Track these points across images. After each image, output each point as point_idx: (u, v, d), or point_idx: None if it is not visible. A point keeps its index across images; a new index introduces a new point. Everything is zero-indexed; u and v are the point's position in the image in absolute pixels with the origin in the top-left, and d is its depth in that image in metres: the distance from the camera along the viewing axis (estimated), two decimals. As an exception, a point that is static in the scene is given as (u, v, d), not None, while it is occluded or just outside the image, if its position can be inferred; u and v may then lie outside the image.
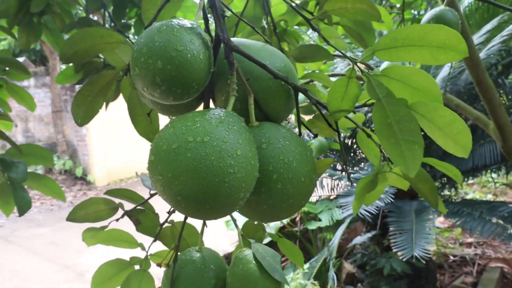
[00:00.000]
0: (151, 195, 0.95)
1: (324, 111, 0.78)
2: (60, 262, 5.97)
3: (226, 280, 0.81)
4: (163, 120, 0.74)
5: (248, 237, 0.95)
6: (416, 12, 2.38)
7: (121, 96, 1.32)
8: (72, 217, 0.98)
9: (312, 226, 4.92)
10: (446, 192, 4.86)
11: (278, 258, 0.82)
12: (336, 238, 4.04)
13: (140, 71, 0.62)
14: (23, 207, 1.25)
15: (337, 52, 1.04)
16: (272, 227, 4.91)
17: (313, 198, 5.53)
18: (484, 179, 7.87)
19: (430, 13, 1.30)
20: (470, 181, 8.18)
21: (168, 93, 0.63)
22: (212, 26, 0.75)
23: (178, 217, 0.95)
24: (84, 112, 0.78)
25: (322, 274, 4.36)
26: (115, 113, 10.61)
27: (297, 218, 5.78)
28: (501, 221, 3.71)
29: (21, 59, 9.54)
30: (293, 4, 1.12)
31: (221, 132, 0.55)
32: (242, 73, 0.66)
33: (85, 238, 1.02)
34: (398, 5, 2.51)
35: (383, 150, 0.92)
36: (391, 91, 0.67)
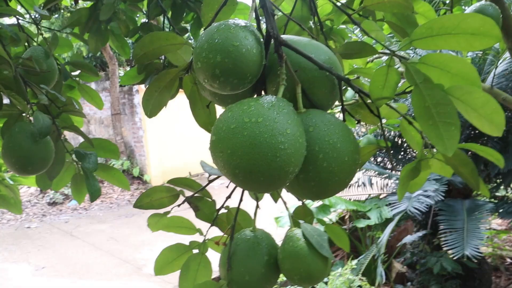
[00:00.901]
0: (209, 181, 1.04)
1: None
2: (120, 257, 6.32)
3: (278, 257, 0.89)
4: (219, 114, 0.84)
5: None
6: (465, 8, 2.35)
7: (176, 101, 1.45)
8: (139, 204, 1.10)
9: (361, 224, 4.90)
10: (502, 192, 4.68)
11: (325, 236, 0.90)
12: (384, 236, 4.01)
13: (202, 65, 0.72)
14: (94, 194, 1.40)
15: (382, 50, 1.10)
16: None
17: (362, 197, 5.50)
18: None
19: (471, 8, 1.34)
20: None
21: (226, 83, 0.72)
22: (263, 25, 0.84)
23: (232, 203, 1.05)
24: (152, 106, 0.89)
25: (371, 271, 4.34)
26: (170, 117, 11.05)
27: (346, 216, 5.76)
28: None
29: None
30: (338, 4, 1.19)
31: (273, 113, 0.64)
32: (291, 65, 0.75)
33: (150, 224, 1.13)
34: (448, 1, 2.48)
35: (424, 137, 0.97)
36: (428, 76, 0.73)
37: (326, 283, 4.13)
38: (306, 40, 0.82)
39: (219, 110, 0.97)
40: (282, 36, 0.78)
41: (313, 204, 5.17)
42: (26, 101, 1.32)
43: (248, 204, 1.04)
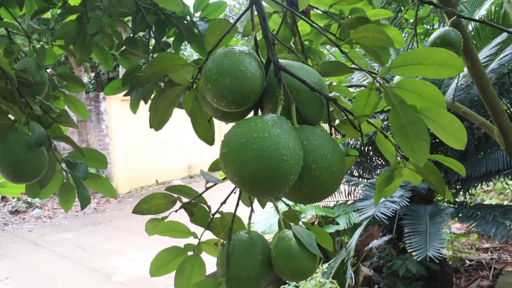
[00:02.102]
0: (206, 189, 1.14)
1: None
2: (87, 265, 6.22)
3: (271, 255, 0.99)
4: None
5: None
6: (429, 26, 2.55)
7: (142, 111, 1.53)
8: (138, 210, 1.17)
9: (330, 229, 5.08)
10: (461, 198, 4.99)
11: (314, 236, 1.01)
12: (353, 240, 4.20)
13: (212, 86, 0.82)
14: (85, 202, 1.45)
15: (354, 66, 1.24)
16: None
17: (330, 203, 5.69)
18: (501, 186, 7.92)
19: (436, 33, 1.50)
20: (487, 188, 8.23)
21: (232, 103, 0.83)
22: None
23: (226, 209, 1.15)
24: (159, 120, 0.99)
25: (340, 274, 4.52)
26: (137, 125, 10.99)
27: (316, 222, 5.93)
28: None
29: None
30: (318, 27, 1.32)
31: (276, 130, 0.75)
32: (287, 87, 0.86)
33: (148, 229, 1.21)
34: (411, 20, 2.68)
35: (398, 149, 1.10)
36: (403, 99, 0.86)
37: (297, 287, 4.26)
38: (298, 64, 0.93)
39: (216, 124, 1.07)
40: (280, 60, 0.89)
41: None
42: (21, 111, 1.37)
43: (240, 210, 1.14)
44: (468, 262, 5.68)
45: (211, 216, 1.16)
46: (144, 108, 1.86)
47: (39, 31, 1.53)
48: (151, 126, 1.02)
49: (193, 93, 1.02)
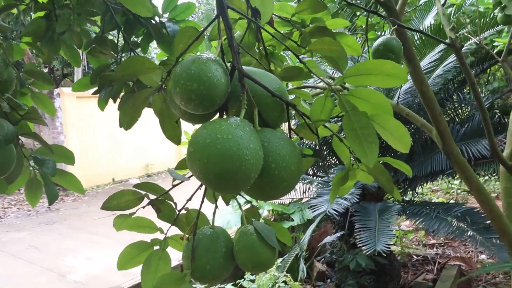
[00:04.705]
0: (173, 186, 1.19)
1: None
2: (41, 265, 6.06)
3: (234, 248, 1.06)
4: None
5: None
6: (380, 33, 2.71)
7: (98, 109, 1.57)
8: (107, 206, 1.21)
9: (285, 225, 5.25)
10: (410, 196, 5.28)
11: (273, 231, 1.09)
12: (306, 235, 4.36)
13: (180, 90, 0.88)
14: (52, 198, 1.48)
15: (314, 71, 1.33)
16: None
17: (286, 201, 5.86)
18: (447, 186, 8.38)
19: (379, 40, 1.65)
20: (435, 187, 8.67)
21: (199, 106, 0.89)
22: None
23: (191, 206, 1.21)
24: (128, 120, 1.03)
25: (294, 269, 4.67)
26: (92, 122, 10.76)
27: (272, 219, 6.07)
28: (455, 220, 4.11)
29: None
30: (280, 36, 1.41)
31: (239, 132, 0.82)
32: (250, 92, 0.93)
33: (116, 224, 1.24)
34: (363, 26, 2.82)
35: (351, 152, 1.20)
36: (356, 105, 0.95)
37: (253, 280, 4.36)
38: (261, 71, 1.01)
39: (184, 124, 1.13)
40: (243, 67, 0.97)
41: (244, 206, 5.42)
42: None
43: (205, 206, 1.20)
44: (415, 257, 6.00)
45: (177, 213, 1.22)
46: (97, 108, 1.88)
47: (8, 29, 1.53)
48: (120, 126, 1.07)
49: (162, 95, 1.07)
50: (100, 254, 6.23)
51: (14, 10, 1.87)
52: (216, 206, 1.15)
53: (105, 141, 11.24)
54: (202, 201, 1.10)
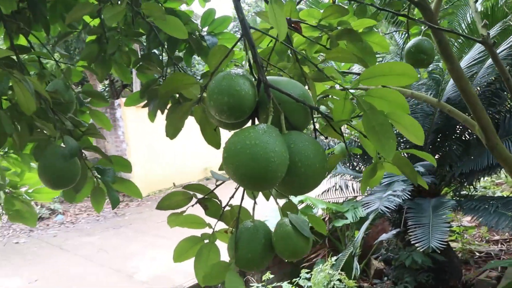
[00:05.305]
0: (216, 186, 1.34)
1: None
2: (110, 266, 6.50)
3: (272, 239, 1.19)
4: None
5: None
6: (423, 27, 2.72)
7: (157, 120, 1.76)
8: (160, 206, 1.38)
9: (339, 223, 5.29)
10: (467, 190, 5.12)
11: (307, 222, 1.20)
12: (360, 234, 4.37)
13: (214, 103, 1.02)
14: (115, 202, 1.67)
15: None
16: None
17: (340, 199, 5.89)
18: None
19: (411, 42, 1.69)
20: (498, 180, 8.29)
21: (231, 116, 1.03)
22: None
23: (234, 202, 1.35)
24: (173, 130, 1.19)
25: (350, 268, 4.69)
26: (152, 132, 11.28)
27: (326, 218, 6.12)
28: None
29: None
30: (311, 38, 1.51)
31: (266, 137, 0.94)
32: (276, 100, 1.05)
33: (170, 221, 1.41)
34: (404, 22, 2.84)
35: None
36: (373, 105, 1.05)
37: (308, 279, 4.46)
38: (286, 79, 1.13)
39: (223, 132, 1.27)
40: (268, 78, 1.09)
41: (299, 206, 5.53)
42: (55, 128, 1.59)
43: (246, 202, 1.34)
44: (477, 254, 5.80)
45: (222, 209, 1.36)
46: (158, 114, 2.08)
47: (66, 56, 1.75)
48: (167, 135, 1.23)
49: (202, 106, 1.22)
50: (162, 255, 6.58)
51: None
52: (255, 202, 1.28)
53: (165, 147, 11.75)
54: (242, 198, 1.24)
